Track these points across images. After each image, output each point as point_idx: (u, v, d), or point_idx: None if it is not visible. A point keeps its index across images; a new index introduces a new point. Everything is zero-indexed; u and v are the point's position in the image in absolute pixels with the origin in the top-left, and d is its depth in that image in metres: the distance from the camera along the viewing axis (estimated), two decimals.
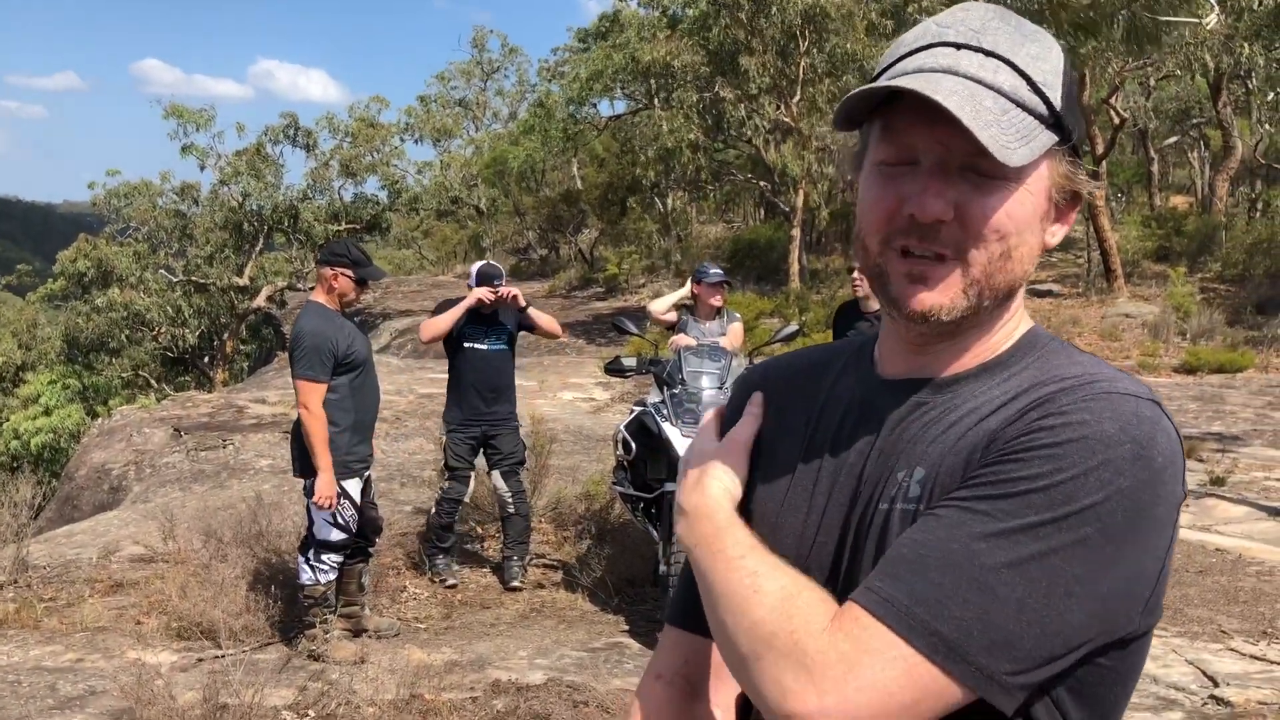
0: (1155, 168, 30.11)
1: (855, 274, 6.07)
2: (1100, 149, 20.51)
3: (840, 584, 1.02)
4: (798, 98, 21.14)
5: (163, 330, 29.08)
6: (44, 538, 7.95)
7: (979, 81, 0.96)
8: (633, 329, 6.48)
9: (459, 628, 5.89)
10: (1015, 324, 1.07)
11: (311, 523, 5.26)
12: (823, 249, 29.42)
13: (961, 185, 0.97)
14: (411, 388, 14.64)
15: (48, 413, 25.51)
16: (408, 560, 6.78)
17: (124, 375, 29.00)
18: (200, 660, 5.18)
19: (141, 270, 29.36)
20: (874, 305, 6.01)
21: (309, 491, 5.11)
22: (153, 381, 29.15)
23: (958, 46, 0.99)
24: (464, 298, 6.44)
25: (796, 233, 23.16)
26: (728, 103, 21.60)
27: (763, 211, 33.84)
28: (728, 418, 1.21)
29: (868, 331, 5.80)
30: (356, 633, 5.54)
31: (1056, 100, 0.99)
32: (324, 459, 5.02)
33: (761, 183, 24.31)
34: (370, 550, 5.69)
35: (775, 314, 20.24)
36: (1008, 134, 0.94)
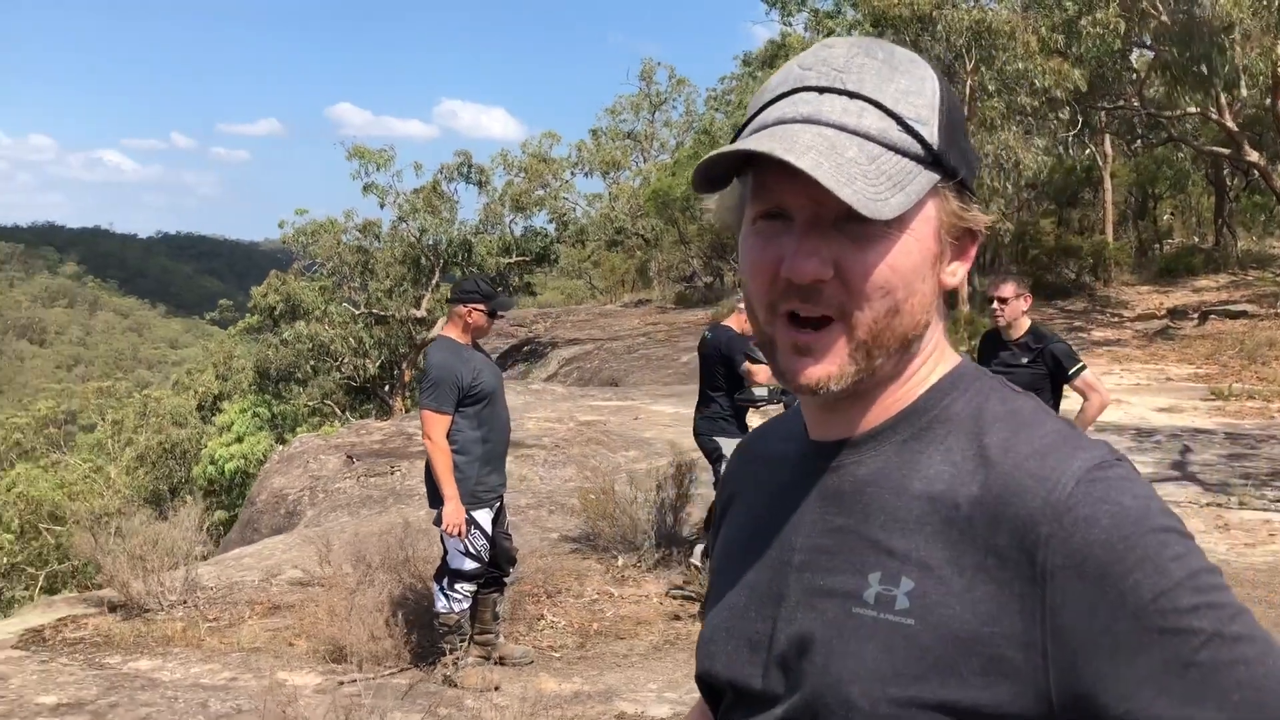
0: None
1: (994, 303, 5.84)
2: None
3: (774, 661, 0.98)
4: (966, 116, 20.59)
5: (345, 360, 30.52)
6: (214, 560, 8.41)
7: (842, 128, 0.90)
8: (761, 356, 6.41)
9: (592, 657, 5.91)
10: (931, 367, 1.00)
11: (446, 552, 5.38)
12: (996, 270, 28.50)
13: (839, 240, 0.91)
14: (573, 415, 14.88)
15: (240, 440, 27.11)
16: (546, 588, 6.86)
17: (310, 404, 30.56)
18: (341, 683, 5.36)
19: (326, 304, 30.92)
20: (1015, 334, 5.76)
21: (439, 521, 5.23)
22: (337, 410, 30.60)
23: (820, 90, 0.93)
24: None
25: None
26: None
27: None
28: (721, 489, 1.22)
29: (1010, 361, 5.57)
30: (491, 660, 5.63)
31: (932, 137, 0.92)
32: (449, 488, 5.14)
33: None
34: (505, 580, 5.77)
35: None
36: (876, 184, 0.88)
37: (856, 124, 0.91)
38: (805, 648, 0.95)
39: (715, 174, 0.95)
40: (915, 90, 0.94)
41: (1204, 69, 17.34)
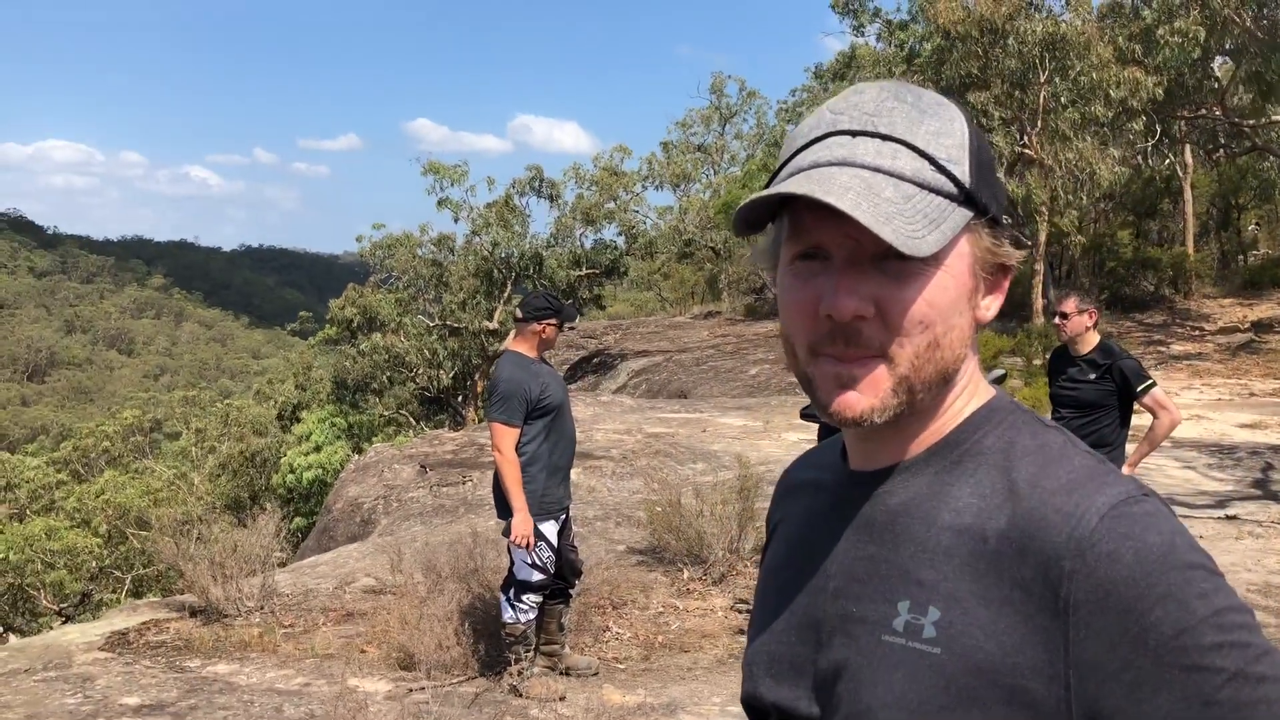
0: None
1: (1058, 318, 5.80)
2: None
3: (814, 685, 1.02)
4: (1039, 127, 20.33)
5: (420, 371, 31.03)
6: (291, 567, 8.64)
7: (877, 170, 0.94)
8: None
9: (656, 670, 5.97)
10: (966, 400, 1.03)
11: (513, 563, 5.49)
12: (1073, 283, 28.00)
13: (877, 278, 0.94)
14: (641, 427, 14.96)
15: (318, 449, 27.67)
16: (612, 600, 6.94)
17: (386, 414, 31.09)
18: (410, 691, 5.49)
19: (401, 316, 31.48)
20: (1083, 349, 5.71)
21: (507, 532, 5.34)
22: (411, 420, 31.07)
23: (853, 134, 0.96)
24: None
25: (1041, 266, 22.18)
26: None
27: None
28: (768, 517, 1.26)
29: (1077, 377, 5.52)
30: (556, 671, 5.72)
31: (964, 176, 0.96)
32: (518, 499, 5.25)
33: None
34: (571, 591, 5.87)
35: (1015, 352, 19.42)
36: (913, 223, 0.91)
37: (891, 165, 0.94)
38: (839, 674, 0.99)
39: (754, 217, 0.98)
40: (945, 131, 0.97)
41: None
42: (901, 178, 0.94)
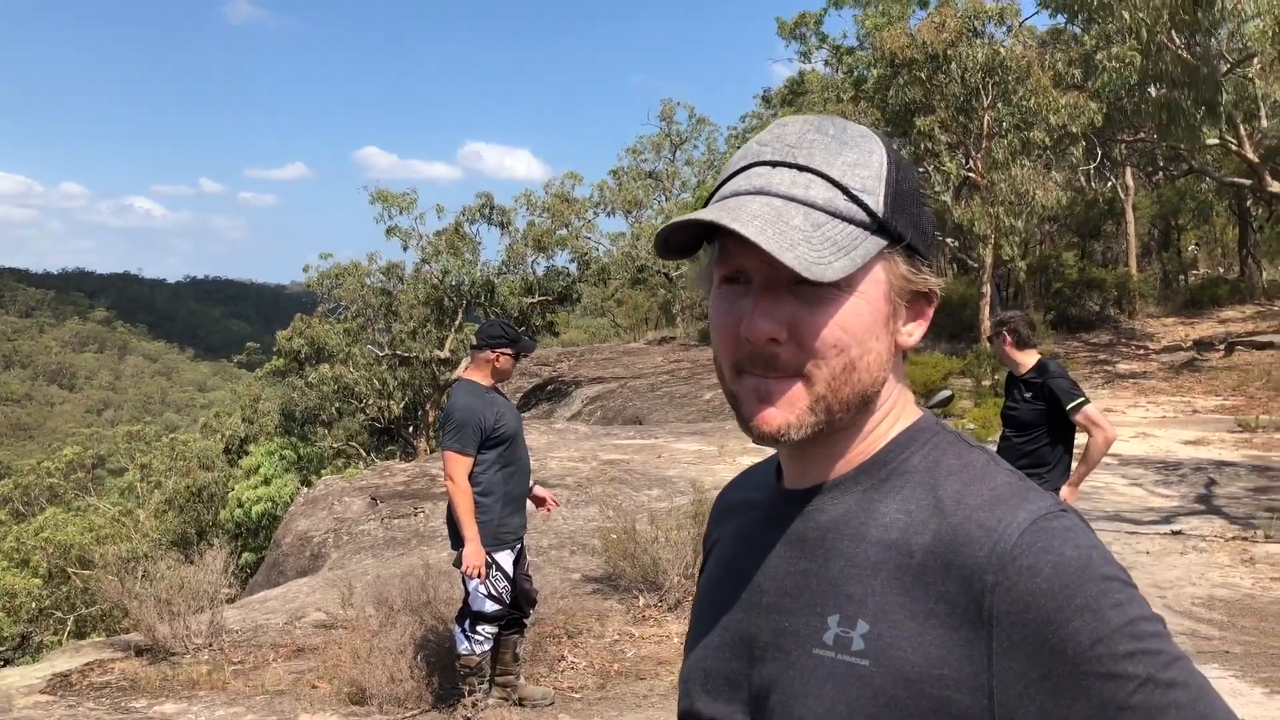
0: None
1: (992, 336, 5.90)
2: None
3: (748, 699, 1.04)
4: (983, 151, 20.66)
5: (370, 402, 30.72)
6: (240, 603, 8.47)
7: (790, 198, 0.97)
8: None
9: (613, 698, 5.92)
10: (892, 422, 1.06)
11: (467, 594, 5.42)
12: (1019, 305, 28.43)
13: (792, 302, 0.98)
14: (596, 454, 14.91)
15: (267, 482, 27.27)
16: (568, 629, 6.87)
17: (335, 445, 30.73)
18: None
19: (350, 346, 31.18)
20: (1022, 370, 5.77)
21: (458, 563, 5.28)
22: (361, 451, 30.73)
23: (773, 165, 1.01)
24: None
25: (988, 289, 22.50)
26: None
27: (955, 267, 33.07)
28: (705, 537, 1.28)
29: (1017, 397, 5.59)
30: (511, 701, 5.65)
31: (878, 205, 0.99)
32: (470, 529, 5.19)
33: (949, 239, 23.81)
34: (525, 621, 5.80)
35: (964, 374, 19.64)
36: (820, 249, 0.95)
37: (804, 194, 0.98)
38: (772, 687, 1.01)
39: (677, 241, 1.02)
40: (862, 163, 1.00)
41: (1202, 110, 17.29)
42: (813, 206, 0.98)
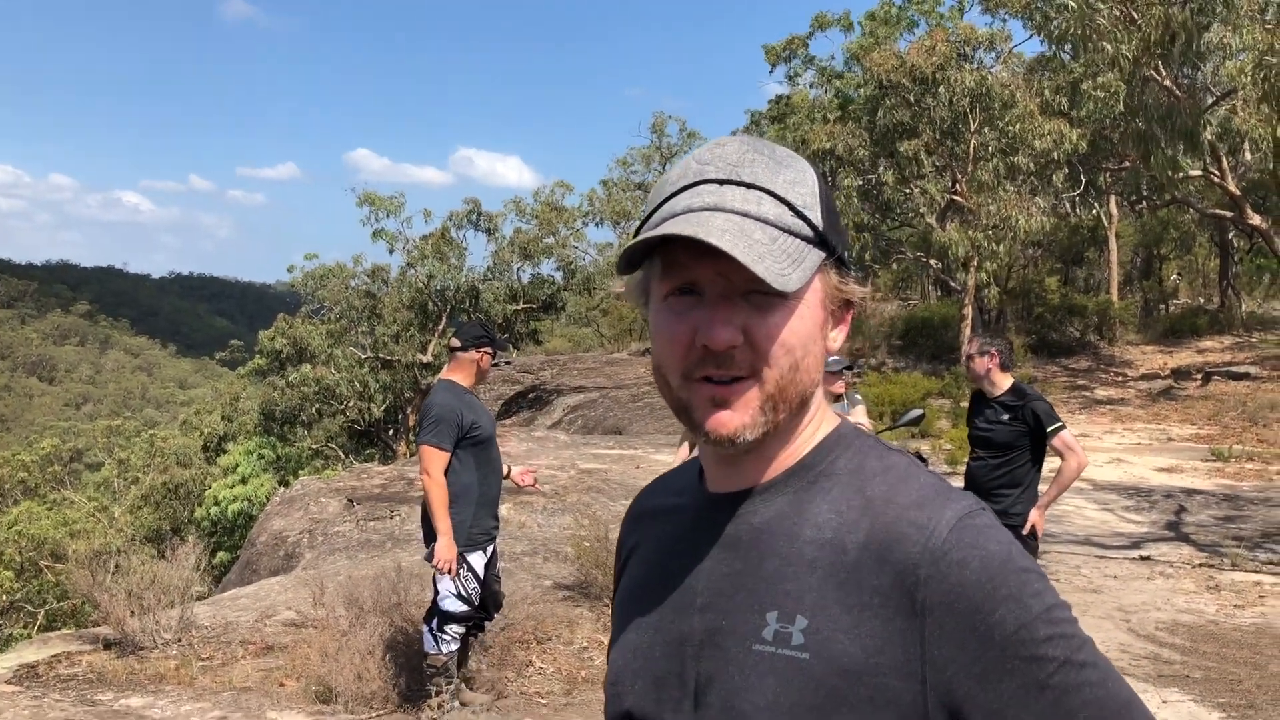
0: None
1: (964, 360, 5.97)
2: None
3: (683, 697, 1.08)
4: (969, 175, 20.81)
5: (350, 404, 30.62)
6: (211, 600, 8.46)
7: (746, 215, 1.03)
8: None
9: (578, 704, 5.95)
10: (816, 427, 1.12)
11: (437, 593, 5.45)
12: (1000, 328, 28.60)
13: (746, 310, 1.03)
14: (574, 463, 14.94)
15: (244, 481, 27.17)
16: (537, 635, 6.90)
17: (314, 446, 30.61)
18: None
19: (332, 347, 31.09)
20: (996, 392, 5.84)
21: (430, 557, 5.31)
22: (340, 453, 30.64)
23: (720, 183, 1.06)
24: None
25: (969, 311, 22.64)
26: (888, 186, 21.48)
27: (938, 289, 33.23)
28: (619, 548, 1.32)
29: (992, 418, 5.66)
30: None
31: (817, 220, 1.06)
32: (443, 523, 5.22)
33: (932, 261, 23.97)
34: (486, 623, 5.83)
35: (943, 394, 19.75)
36: (780, 262, 1.01)
37: (757, 210, 1.04)
38: (710, 685, 1.06)
39: (637, 258, 1.07)
40: (800, 181, 1.07)
41: (1180, 145, 17.45)
42: (767, 222, 1.04)
